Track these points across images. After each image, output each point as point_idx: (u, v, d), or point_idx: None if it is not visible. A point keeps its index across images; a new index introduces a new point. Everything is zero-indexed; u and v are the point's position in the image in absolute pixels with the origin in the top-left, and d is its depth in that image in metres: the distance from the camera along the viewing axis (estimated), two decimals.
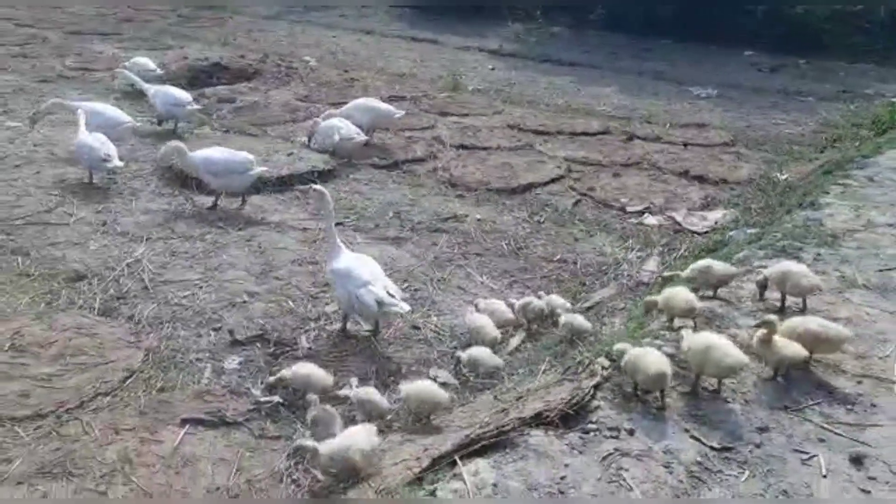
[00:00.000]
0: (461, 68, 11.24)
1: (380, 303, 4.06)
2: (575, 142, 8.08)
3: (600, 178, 7.00)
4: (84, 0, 14.92)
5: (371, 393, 3.59)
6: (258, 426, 3.55)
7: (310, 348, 4.16)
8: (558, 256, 5.44)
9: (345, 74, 10.56)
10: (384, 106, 7.68)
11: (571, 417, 2.68)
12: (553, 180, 6.87)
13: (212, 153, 5.98)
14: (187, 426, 3.47)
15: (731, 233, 5.25)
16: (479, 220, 5.98)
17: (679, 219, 6.12)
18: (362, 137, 7.05)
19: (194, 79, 9.87)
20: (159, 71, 9.01)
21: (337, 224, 5.64)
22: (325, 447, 3.03)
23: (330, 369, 3.91)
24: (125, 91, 8.73)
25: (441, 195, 6.48)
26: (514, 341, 4.38)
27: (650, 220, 6.12)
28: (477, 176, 6.89)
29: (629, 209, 6.32)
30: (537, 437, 2.57)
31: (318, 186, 4.66)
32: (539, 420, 2.61)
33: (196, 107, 7.67)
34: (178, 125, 7.64)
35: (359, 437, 3.04)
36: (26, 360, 3.89)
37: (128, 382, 3.77)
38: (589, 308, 4.72)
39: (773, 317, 3.09)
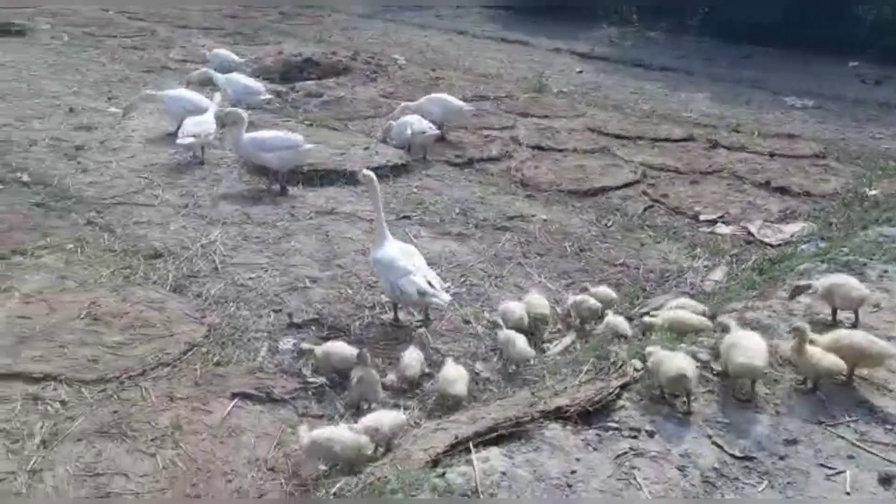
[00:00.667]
0: (548, 70, 11.20)
1: (421, 293, 4.17)
2: (655, 147, 7.94)
3: (676, 185, 6.86)
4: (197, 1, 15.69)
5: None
6: (303, 405, 3.69)
7: (361, 334, 4.28)
8: (621, 261, 5.38)
9: (431, 73, 10.71)
10: (455, 101, 7.82)
11: (594, 415, 2.68)
12: (626, 185, 6.79)
13: (260, 132, 6.32)
14: (237, 400, 3.64)
15: (802, 246, 5.06)
16: (545, 220, 5.98)
17: (753, 230, 5.93)
18: (434, 132, 7.19)
19: (287, 73, 10.23)
20: (238, 60, 9.38)
21: (403, 217, 5.82)
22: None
23: (379, 357, 4.05)
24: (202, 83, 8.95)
25: (510, 194, 6.51)
26: (566, 341, 4.38)
27: (723, 229, 5.96)
28: (549, 177, 6.88)
29: (702, 217, 6.18)
30: (554, 430, 2.58)
31: (367, 171, 4.74)
32: (558, 414, 2.62)
33: (267, 97, 7.93)
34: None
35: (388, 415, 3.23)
36: (100, 328, 4.16)
37: (188, 355, 3.98)
38: (645, 313, 4.65)
39: (803, 325, 2.99)
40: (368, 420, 3.24)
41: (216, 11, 14.93)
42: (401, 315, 4.45)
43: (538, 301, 4.43)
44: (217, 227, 5.52)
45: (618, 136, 8.21)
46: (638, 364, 3.02)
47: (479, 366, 4.07)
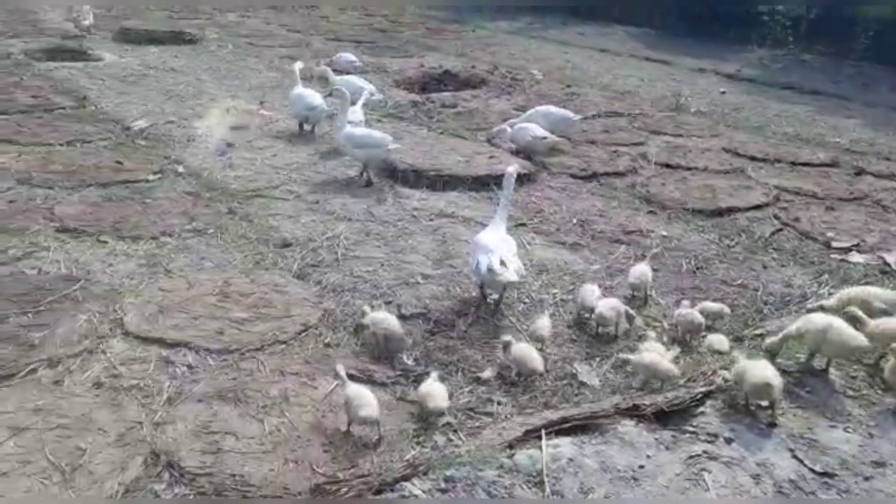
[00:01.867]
0: (689, 90, 10.99)
1: (490, 269, 4.38)
2: (793, 171, 7.63)
3: (810, 209, 6.57)
4: (352, 15, 16.56)
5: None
6: (401, 390, 3.87)
7: (465, 331, 4.43)
8: (739, 281, 5.23)
9: (567, 89, 10.77)
10: (562, 111, 8.04)
11: (672, 417, 2.68)
12: (756, 207, 6.58)
13: (354, 129, 6.77)
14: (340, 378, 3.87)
15: None
16: (664, 236, 5.91)
17: (891, 260, 5.60)
18: (553, 138, 7.38)
19: (426, 85, 10.63)
20: (358, 63, 9.88)
21: (519, 224, 5.94)
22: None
23: (479, 353, 4.19)
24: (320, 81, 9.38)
25: (632, 209, 6.47)
26: (669, 355, 4.33)
27: (856, 257, 5.67)
28: (675, 195, 6.78)
29: (834, 244, 5.89)
30: (627, 427, 2.61)
31: (512, 168, 5.03)
32: (635, 413, 2.64)
33: (377, 96, 8.63)
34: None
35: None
36: (228, 305, 4.54)
37: (302, 335, 4.26)
38: (758, 335, 4.53)
39: None
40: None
41: (368, 26, 15.66)
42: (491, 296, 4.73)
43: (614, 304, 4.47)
44: (343, 222, 5.85)
45: (754, 158, 7.96)
46: (727, 375, 2.97)
47: (577, 367, 4.11)
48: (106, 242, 5.22)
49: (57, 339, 4.03)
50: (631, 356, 3.84)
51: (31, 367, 3.78)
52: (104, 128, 7.71)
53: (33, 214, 5.54)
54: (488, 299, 4.75)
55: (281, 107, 8.88)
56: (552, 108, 8.11)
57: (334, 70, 9.48)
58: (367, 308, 4.37)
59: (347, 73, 9.20)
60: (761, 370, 2.68)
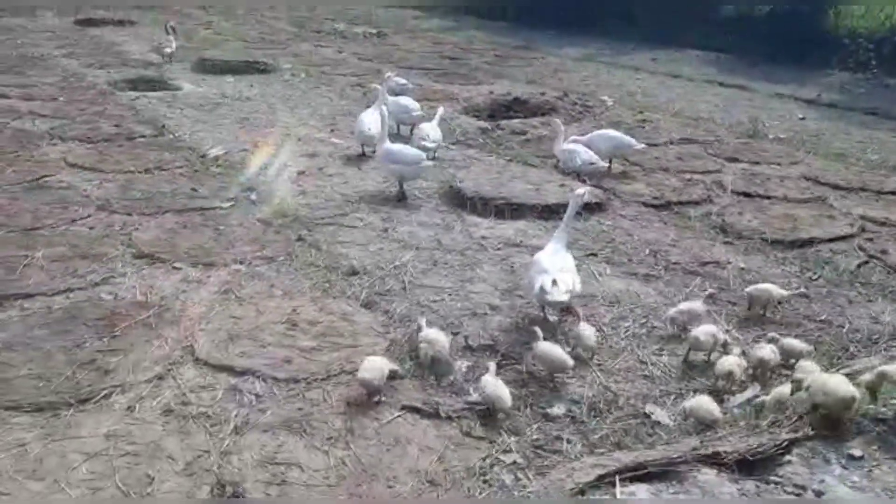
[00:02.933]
0: (766, 115, 10.67)
1: (542, 289, 4.44)
2: (880, 200, 7.29)
3: None
4: (421, 44, 16.75)
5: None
6: (467, 424, 3.78)
7: (533, 364, 4.32)
8: (823, 317, 4.98)
9: (638, 115, 10.60)
10: (623, 137, 7.88)
11: (756, 466, 2.52)
12: (839, 238, 6.29)
13: (392, 146, 6.91)
14: (405, 412, 3.82)
15: None
16: (741, 268, 5.69)
17: None
18: (602, 164, 7.47)
19: (495, 112, 10.61)
20: (410, 85, 10.19)
21: (590, 255, 5.82)
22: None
23: (548, 387, 4.09)
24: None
25: (707, 239, 6.27)
26: (748, 393, 4.13)
27: None
28: (752, 224, 6.54)
29: None
30: (707, 475, 2.47)
31: (581, 189, 5.06)
32: (715, 460, 2.50)
33: (419, 113, 8.72)
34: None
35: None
36: (296, 333, 4.55)
37: None
38: (846, 375, 4.28)
39: None
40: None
41: (437, 54, 15.79)
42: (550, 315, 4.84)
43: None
44: (411, 250, 5.83)
45: (836, 187, 7.64)
46: (815, 421, 2.79)
47: (650, 408, 3.96)
48: (180, 269, 5.32)
49: (131, 364, 4.10)
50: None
51: (105, 392, 3.85)
52: (181, 155, 7.93)
53: (112, 240, 5.70)
54: (548, 317, 4.81)
55: (352, 135, 8.97)
56: (614, 133, 7.97)
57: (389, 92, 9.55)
58: (422, 322, 4.41)
59: (398, 95, 9.36)
60: (846, 383, 2.52)
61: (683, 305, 4.78)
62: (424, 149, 7.40)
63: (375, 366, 3.94)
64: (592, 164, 7.39)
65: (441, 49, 16.41)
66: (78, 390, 3.85)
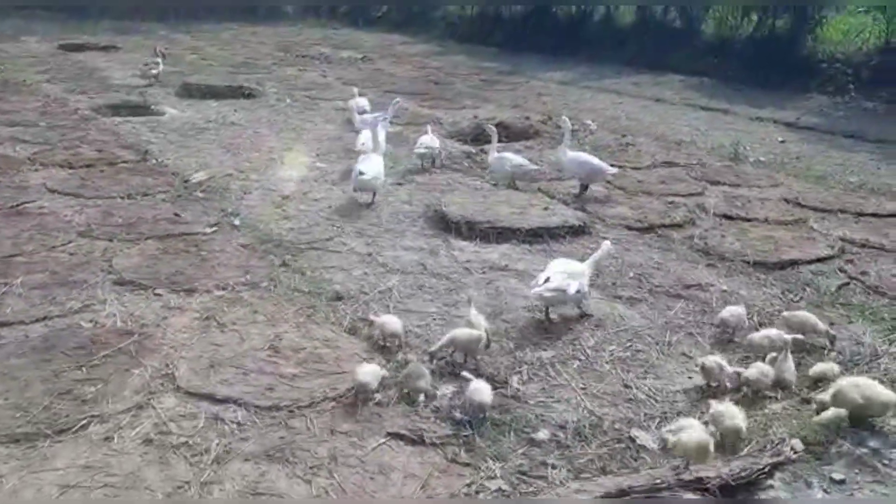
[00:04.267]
0: (747, 139, 10.77)
1: (535, 283, 4.99)
2: (859, 222, 7.37)
3: (879, 262, 6.30)
4: (406, 69, 16.87)
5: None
6: (452, 451, 3.75)
7: (518, 389, 4.30)
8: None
9: (622, 139, 10.69)
10: (597, 162, 7.91)
11: (739, 491, 2.51)
12: (820, 259, 6.34)
13: (368, 157, 7.45)
14: (389, 438, 3.79)
15: None
16: (724, 290, 5.71)
17: None
18: (532, 167, 8.03)
19: (479, 136, 10.62)
20: (368, 107, 10.50)
21: None
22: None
23: (533, 413, 4.07)
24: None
25: (690, 262, 6.29)
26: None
27: None
28: (735, 247, 6.58)
29: None
30: (691, 500, 2.45)
31: (607, 244, 5.56)
32: (698, 486, 2.49)
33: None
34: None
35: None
36: (279, 360, 4.51)
37: (352, 392, 4.19)
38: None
39: None
40: None
41: (422, 78, 15.88)
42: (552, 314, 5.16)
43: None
44: (395, 275, 5.82)
45: (816, 209, 7.72)
46: (799, 445, 2.80)
47: (635, 432, 3.94)
48: (161, 295, 5.27)
49: (110, 393, 4.04)
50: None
51: (83, 422, 3.79)
52: (164, 180, 7.89)
53: (92, 267, 5.65)
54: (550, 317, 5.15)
55: (337, 159, 8.99)
56: (588, 158, 7.97)
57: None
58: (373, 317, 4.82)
59: (363, 113, 9.88)
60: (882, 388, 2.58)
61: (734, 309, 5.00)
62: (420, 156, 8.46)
63: (371, 370, 4.17)
64: (521, 166, 7.84)
65: (426, 73, 16.51)
66: (55, 420, 3.79)
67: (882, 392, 3.59)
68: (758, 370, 4.27)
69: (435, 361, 4.50)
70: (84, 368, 4.27)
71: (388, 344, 4.70)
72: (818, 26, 16.24)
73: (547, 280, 4.93)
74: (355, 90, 11.42)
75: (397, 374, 4.31)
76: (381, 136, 8.06)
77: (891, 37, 15.32)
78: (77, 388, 4.07)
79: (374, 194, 7.46)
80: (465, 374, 4.31)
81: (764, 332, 4.75)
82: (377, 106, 10.68)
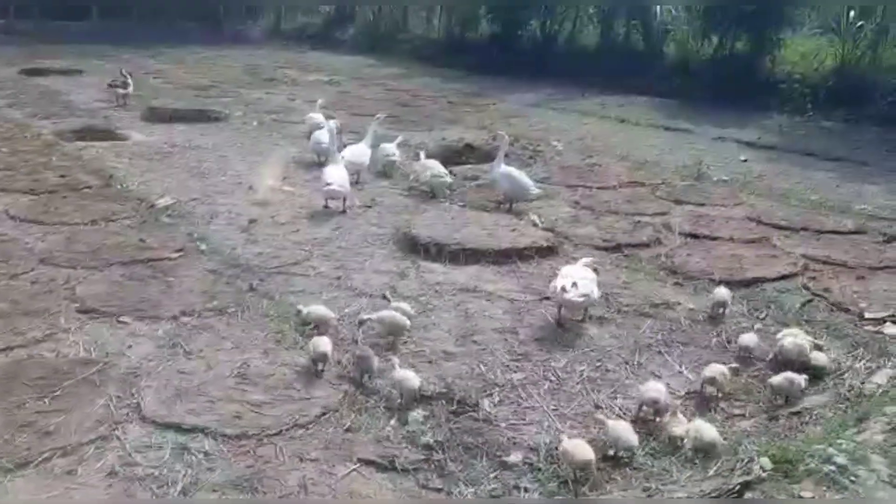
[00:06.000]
0: (709, 158, 10.94)
1: (562, 289, 5.25)
2: (820, 240, 7.51)
3: (840, 279, 6.42)
4: (374, 91, 16.93)
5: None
6: (424, 476, 3.73)
7: (489, 412, 4.29)
8: (770, 356, 5.07)
9: (588, 160, 10.81)
10: (524, 180, 8.12)
11: None
12: (784, 277, 6.44)
13: (328, 168, 7.95)
14: (360, 465, 3.75)
15: None
16: (691, 309, 5.78)
17: None
18: (449, 179, 8.56)
19: (448, 158, 10.66)
20: (323, 124, 10.36)
21: (544, 298, 5.84)
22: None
23: (504, 436, 4.07)
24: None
25: (657, 281, 6.36)
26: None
27: (891, 329, 5.49)
28: (700, 265, 6.66)
29: (868, 315, 5.72)
30: None
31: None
32: None
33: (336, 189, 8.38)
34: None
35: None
36: (247, 387, 4.45)
37: (322, 418, 4.16)
38: (794, 413, 4.36)
39: None
40: None
41: (390, 101, 15.91)
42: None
43: None
44: (365, 298, 5.79)
45: (779, 227, 7.85)
46: (767, 463, 2.82)
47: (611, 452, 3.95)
48: (126, 323, 5.19)
49: (73, 425, 3.95)
50: None
51: (46, 455, 3.70)
52: (129, 206, 7.79)
53: (54, 295, 5.54)
54: (561, 321, 5.45)
55: (304, 182, 8.96)
56: (517, 174, 8.19)
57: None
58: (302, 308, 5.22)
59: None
60: None
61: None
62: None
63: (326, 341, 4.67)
64: (437, 176, 8.42)
65: (394, 96, 16.56)
66: (16, 454, 3.69)
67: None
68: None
69: (361, 329, 5.09)
70: (46, 399, 4.18)
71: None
72: (776, 48, 16.63)
73: (574, 285, 5.24)
74: (319, 101, 11.92)
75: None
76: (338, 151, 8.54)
77: (846, 58, 15.74)
78: (39, 420, 3.97)
79: (345, 200, 7.86)
80: (393, 359, 4.59)
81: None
82: (354, 129, 10.77)
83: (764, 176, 10.32)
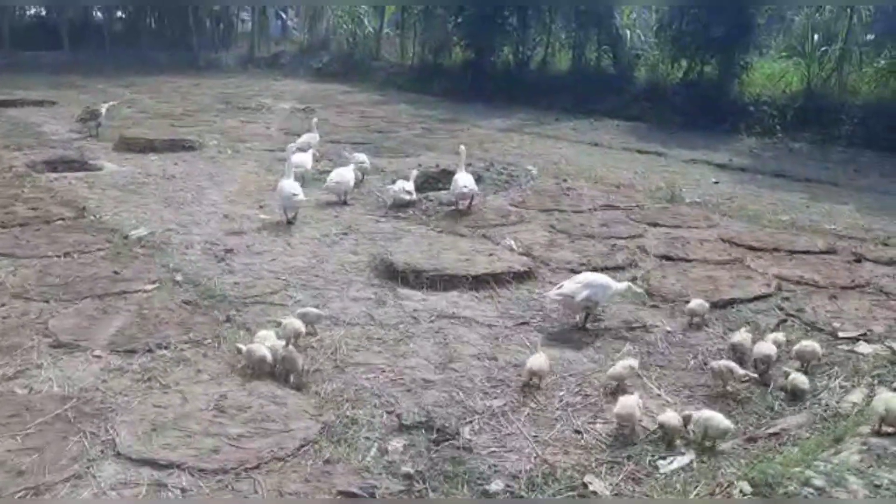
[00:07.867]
0: (682, 181, 11.12)
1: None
2: (792, 260, 7.62)
3: (813, 299, 6.52)
4: (349, 118, 16.97)
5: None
6: None
7: (470, 440, 4.28)
8: (749, 377, 5.11)
9: (562, 183, 10.90)
10: (462, 184, 8.99)
11: None
12: (758, 297, 6.52)
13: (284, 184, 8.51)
14: (341, 497, 3.71)
15: None
16: (667, 331, 5.82)
17: None
18: (412, 197, 9.15)
19: (424, 183, 10.69)
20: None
21: (521, 323, 5.86)
22: None
23: (486, 463, 4.05)
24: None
25: (634, 304, 6.40)
26: (683, 460, 4.17)
27: (864, 348, 5.57)
28: (676, 287, 6.72)
29: (841, 334, 5.80)
30: None
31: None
32: None
33: (303, 199, 8.66)
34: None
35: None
36: (224, 420, 4.39)
37: (301, 450, 4.11)
38: (772, 434, 4.39)
39: None
40: None
41: (365, 127, 15.98)
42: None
43: None
44: (342, 327, 5.76)
45: (752, 248, 7.97)
46: (746, 487, 2.84)
47: (588, 478, 3.95)
48: (100, 357, 5.11)
49: (46, 463, 3.87)
50: None
51: (19, 495, 3.62)
52: (102, 237, 7.71)
53: (27, 330, 5.45)
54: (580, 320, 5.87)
55: (280, 211, 8.92)
56: (463, 179, 9.04)
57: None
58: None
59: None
60: None
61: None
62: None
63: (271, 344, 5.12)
64: (405, 196, 9.13)
65: (369, 123, 16.64)
66: None
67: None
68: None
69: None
70: (19, 437, 4.09)
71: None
72: (744, 71, 16.98)
73: (560, 286, 5.82)
74: (314, 121, 12.60)
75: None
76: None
77: (812, 80, 16.11)
78: (11, 459, 3.89)
79: (296, 213, 8.62)
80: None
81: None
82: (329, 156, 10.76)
83: (735, 197, 10.48)
